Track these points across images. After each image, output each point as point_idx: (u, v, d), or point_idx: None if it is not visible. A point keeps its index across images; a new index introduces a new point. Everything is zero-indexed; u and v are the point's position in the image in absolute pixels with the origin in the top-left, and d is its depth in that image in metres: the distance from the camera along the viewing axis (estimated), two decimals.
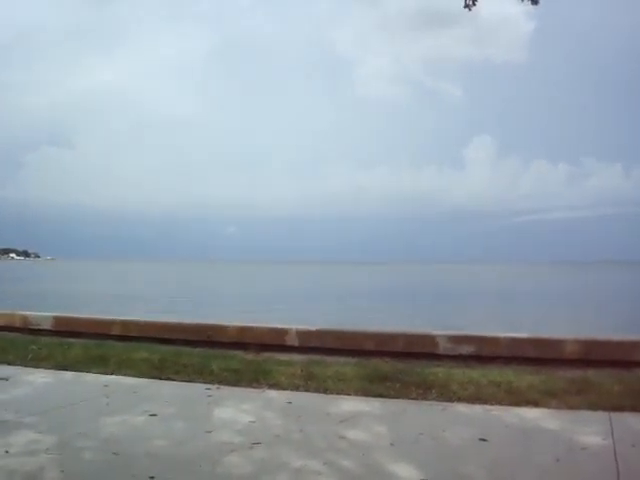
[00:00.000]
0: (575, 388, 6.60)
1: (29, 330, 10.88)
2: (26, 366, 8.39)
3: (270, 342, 9.16)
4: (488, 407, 6.23)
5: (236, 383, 7.35)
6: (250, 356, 8.63)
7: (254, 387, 7.19)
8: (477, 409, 6.20)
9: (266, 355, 8.71)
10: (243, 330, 9.61)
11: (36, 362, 8.55)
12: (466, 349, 8.17)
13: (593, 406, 6.07)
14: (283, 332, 9.20)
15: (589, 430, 5.40)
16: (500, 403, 6.32)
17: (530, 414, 5.97)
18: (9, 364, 8.51)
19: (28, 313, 11.48)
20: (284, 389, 7.07)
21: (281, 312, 31.35)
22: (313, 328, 9.28)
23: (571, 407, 6.13)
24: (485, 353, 8.10)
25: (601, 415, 5.82)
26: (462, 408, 6.26)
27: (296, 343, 8.99)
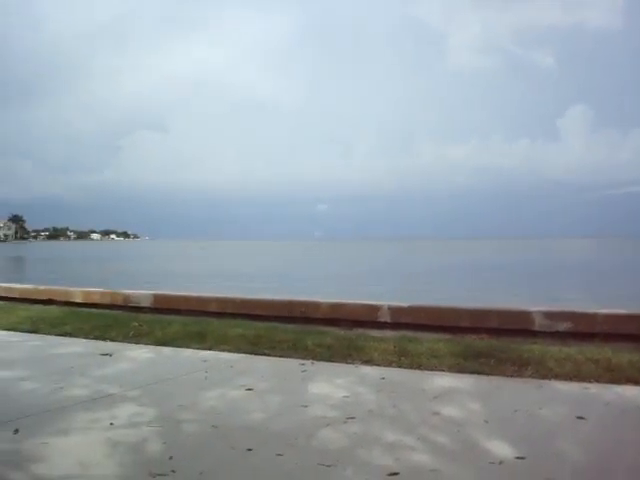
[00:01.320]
0: None
1: (130, 307, 11.32)
2: (128, 342, 8.74)
3: (362, 318, 9.20)
4: (586, 385, 6.09)
5: (329, 359, 7.43)
6: (343, 332, 8.69)
7: (347, 363, 7.25)
8: (574, 387, 6.07)
9: (359, 331, 8.76)
10: (336, 306, 9.68)
11: (137, 338, 8.89)
12: (563, 325, 8.00)
13: None
14: (375, 308, 9.22)
15: None
16: (598, 381, 6.17)
17: (630, 392, 5.81)
18: (112, 340, 8.89)
19: (129, 291, 11.91)
20: (377, 365, 7.09)
21: (374, 288, 31.37)
22: (405, 304, 9.26)
23: None
24: (582, 329, 7.90)
25: None
26: (559, 385, 6.15)
27: (388, 319, 9.01)
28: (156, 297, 11.38)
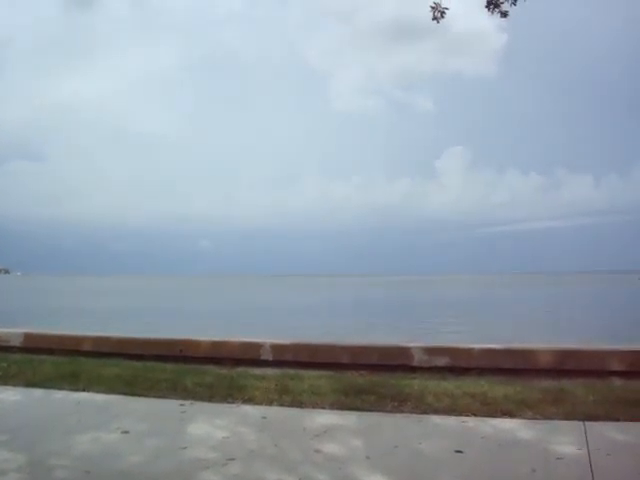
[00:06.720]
0: (550, 398, 6.62)
1: None
2: None
3: (244, 356, 9.08)
4: (463, 418, 6.22)
5: (210, 398, 7.27)
6: (224, 371, 8.54)
7: (228, 402, 7.12)
8: (452, 421, 6.19)
9: (240, 370, 8.63)
10: (216, 345, 9.52)
11: (5, 380, 8.39)
12: (441, 360, 8.17)
13: (568, 416, 6.10)
14: (257, 346, 9.13)
15: (564, 440, 5.42)
16: (475, 414, 6.32)
17: (505, 425, 5.97)
18: None
19: None
20: (258, 404, 7.00)
21: (255, 326, 31.20)
22: (287, 342, 9.22)
23: (546, 417, 6.15)
24: (459, 364, 8.10)
25: (576, 425, 5.84)
26: (437, 420, 6.25)
27: (270, 357, 8.93)
28: (27, 336, 10.82)
